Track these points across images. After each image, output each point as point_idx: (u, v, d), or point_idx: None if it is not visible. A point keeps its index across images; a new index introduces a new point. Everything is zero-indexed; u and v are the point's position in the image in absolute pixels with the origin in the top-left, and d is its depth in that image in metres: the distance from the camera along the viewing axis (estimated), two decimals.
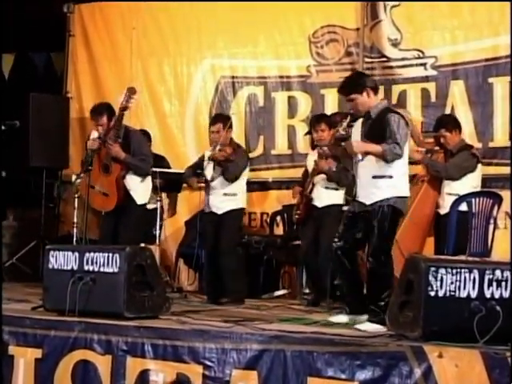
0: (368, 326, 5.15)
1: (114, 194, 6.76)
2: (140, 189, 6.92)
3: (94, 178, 6.69)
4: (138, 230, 7.01)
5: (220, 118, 7.44)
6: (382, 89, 8.10)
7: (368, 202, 5.39)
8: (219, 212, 7.17)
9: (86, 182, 6.72)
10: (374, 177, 5.35)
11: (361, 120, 5.58)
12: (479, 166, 6.86)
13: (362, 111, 5.47)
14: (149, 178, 7.06)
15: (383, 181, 5.34)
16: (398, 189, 5.40)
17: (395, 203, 5.36)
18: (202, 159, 7.41)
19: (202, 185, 7.42)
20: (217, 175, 7.19)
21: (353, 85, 5.53)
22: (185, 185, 8.23)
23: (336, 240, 5.52)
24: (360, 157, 5.39)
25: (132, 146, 6.85)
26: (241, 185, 7.25)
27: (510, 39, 7.19)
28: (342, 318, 5.49)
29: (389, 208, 5.33)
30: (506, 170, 7.24)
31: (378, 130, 5.34)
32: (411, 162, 7.06)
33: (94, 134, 6.85)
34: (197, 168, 7.39)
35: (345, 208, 6.19)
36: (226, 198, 7.15)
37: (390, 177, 5.35)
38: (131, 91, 6.82)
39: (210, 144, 7.38)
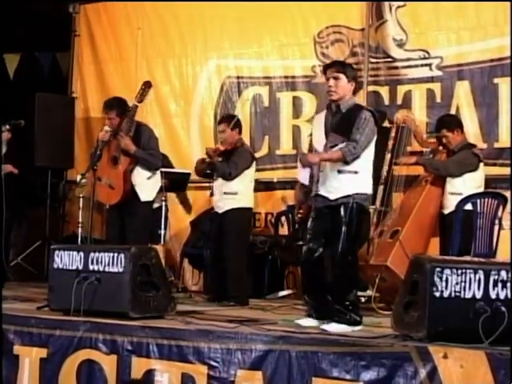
0: (334, 327, 5.08)
1: (120, 187, 6.72)
2: (145, 185, 6.88)
3: (102, 170, 6.67)
4: (145, 230, 6.97)
5: (225, 118, 7.50)
6: (387, 89, 8.15)
7: (332, 197, 5.26)
8: (220, 211, 7.16)
9: (92, 177, 6.67)
10: (340, 171, 5.25)
11: (323, 113, 5.48)
12: (481, 165, 6.85)
13: (335, 96, 5.33)
14: (157, 177, 7.03)
15: (348, 176, 5.25)
16: (361, 185, 5.30)
17: (360, 200, 5.27)
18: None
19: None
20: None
21: (347, 67, 5.48)
22: (190, 184, 8.27)
23: (307, 242, 5.36)
24: (322, 151, 5.30)
25: (142, 141, 6.84)
26: (242, 184, 7.16)
27: (510, 40, 7.19)
28: (311, 322, 5.30)
29: (355, 206, 5.24)
30: None
31: (348, 124, 5.26)
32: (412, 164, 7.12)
33: (107, 127, 6.85)
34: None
35: None
36: (226, 196, 7.12)
37: (356, 172, 5.25)
38: (147, 85, 6.84)
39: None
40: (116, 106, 6.91)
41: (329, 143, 5.32)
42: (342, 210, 5.23)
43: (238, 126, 7.30)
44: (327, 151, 5.30)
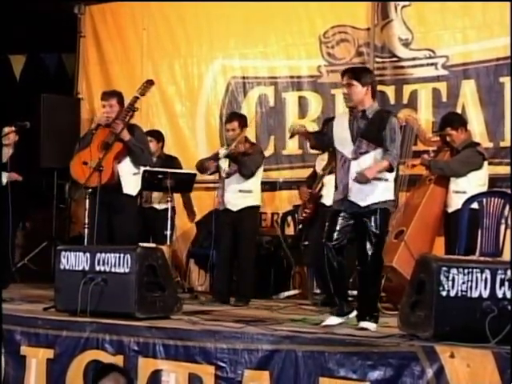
0: (372, 326, 5.19)
1: (109, 170, 6.68)
2: (130, 180, 6.87)
3: (89, 155, 6.62)
4: (133, 228, 6.94)
5: (236, 117, 7.54)
6: (393, 88, 8.14)
7: (363, 204, 5.33)
8: (234, 209, 7.20)
9: (79, 160, 6.67)
10: (374, 178, 5.30)
11: (345, 116, 5.50)
12: (485, 163, 6.84)
13: (352, 102, 5.39)
14: (139, 177, 7.03)
15: (380, 183, 5.33)
16: (390, 192, 5.45)
17: (388, 206, 5.41)
18: (216, 155, 7.47)
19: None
20: (232, 172, 7.23)
21: (360, 73, 5.49)
22: (196, 185, 8.26)
23: (328, 239, 5.40)
24: (350, 156, 5.34)
25: (135, 136, 6.86)
26: (256, 182, 7.30)
27: (509, 40, 7.17)
28: (336, 320, 5.38)
29: (384, 212, 5.36)
30: None
31: (377, 130, 5.33)
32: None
33: (105, 113, 6.89)
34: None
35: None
36: (241, 194, 7.18)
37: (386, 180, 5.37)
38: (149, 82, 6.97)
39: (226, 142, 7.50)
40: (116, 95, 6.99)
41: (358, 149, 5.35)
42: (371, 215, 5.30)
43: (246, 124, 7.39)
44: (358, 157, 5.33)
